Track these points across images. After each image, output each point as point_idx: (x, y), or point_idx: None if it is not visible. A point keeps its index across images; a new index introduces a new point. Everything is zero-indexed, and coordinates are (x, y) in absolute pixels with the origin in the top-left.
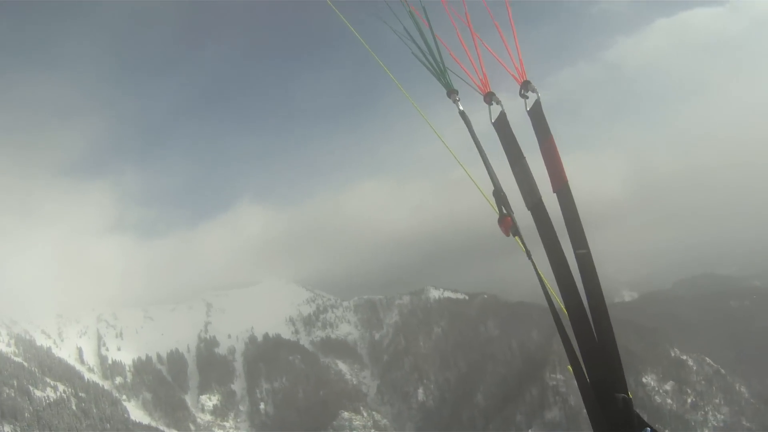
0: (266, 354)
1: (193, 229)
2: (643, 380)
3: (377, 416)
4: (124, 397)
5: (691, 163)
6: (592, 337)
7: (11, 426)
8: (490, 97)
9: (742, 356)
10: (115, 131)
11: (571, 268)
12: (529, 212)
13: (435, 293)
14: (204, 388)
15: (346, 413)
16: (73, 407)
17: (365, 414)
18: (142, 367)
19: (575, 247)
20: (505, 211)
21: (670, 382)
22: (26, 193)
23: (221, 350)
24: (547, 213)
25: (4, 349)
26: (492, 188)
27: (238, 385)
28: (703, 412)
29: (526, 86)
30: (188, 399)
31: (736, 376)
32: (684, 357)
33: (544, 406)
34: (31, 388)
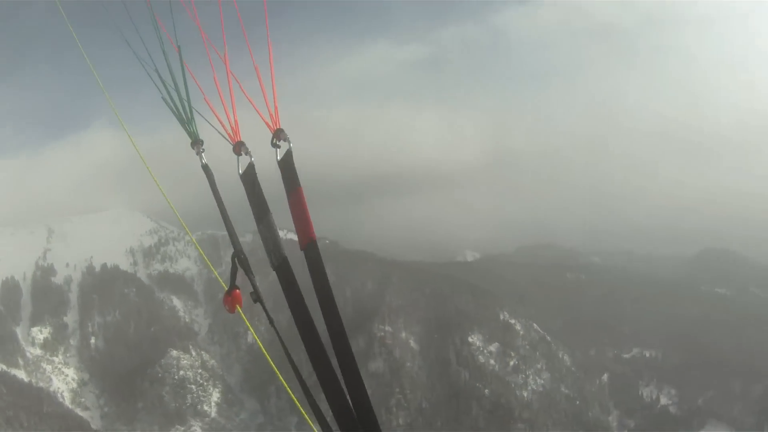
0: (101, 285)
1: (41, 148)
2: (470, 339)
3: (206, 356)
4: None
5: (550, 141)
6: (349, 409)
7: None
8: (239, 147)
9: (569, 326)
10: None
11: (320, 335)
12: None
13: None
14: (36, 320)
15: (174, 351)
16: None
17: (194, 353)
18: None
19: (324, 311)
20: (237, 284)
21: (495, 344)
22: None
23: (57, 279)
24: (292, 273)
25: None
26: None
27: (70, 318)
28: (524, 375)
29: (278, 135)
30: (19, 331)
31: (561, 345)
32: (512, 321)
33: (369, 357)
34: None
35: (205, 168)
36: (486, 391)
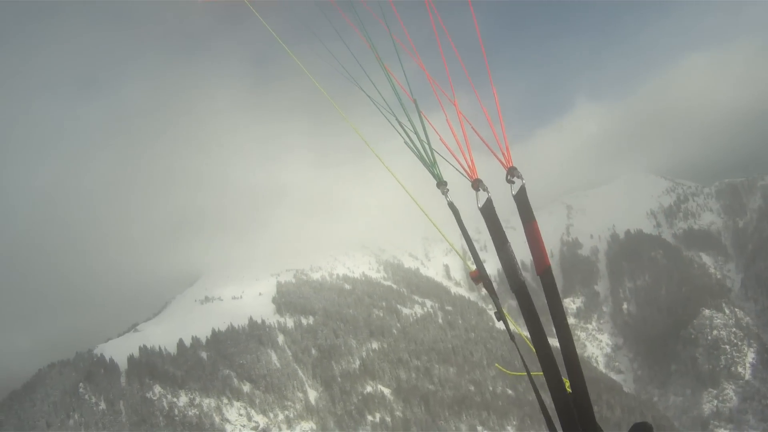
0: (628, 251)
1: (530, 137)
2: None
3: (740, 314)
4: (490, 306)
5: None
6: (571, 410)
7: (379, 342)
8: (477, 184)
9: None
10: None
11: (553, 351)
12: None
13: None
14: (567, 292)
15: (707, 311)
16: (440, 320)
17: (727, 311)
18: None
19: (558, 328)
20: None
21: None
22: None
23: (584, 251)
24: (529, 296)
25: (374, 275)
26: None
27: (601, 286)
28: None
29: (512, 172)
30: None
31: None
32: None
33: None
34: (399, 307)
35: (451, 205)
36: None
